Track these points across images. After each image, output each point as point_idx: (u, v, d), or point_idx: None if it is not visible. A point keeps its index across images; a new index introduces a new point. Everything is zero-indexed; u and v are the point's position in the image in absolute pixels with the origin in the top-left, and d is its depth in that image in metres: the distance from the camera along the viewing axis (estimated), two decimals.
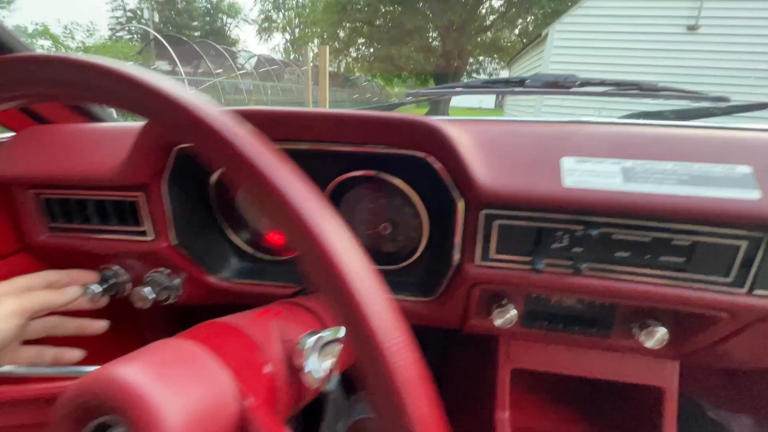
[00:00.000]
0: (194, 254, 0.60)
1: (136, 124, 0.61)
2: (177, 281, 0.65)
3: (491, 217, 0.48)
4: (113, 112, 0.73)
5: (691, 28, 6.64)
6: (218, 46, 11.57)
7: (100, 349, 0.56)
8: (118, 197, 0.56)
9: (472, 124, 0.53)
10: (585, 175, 0.43)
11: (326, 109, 0.50)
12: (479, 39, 17.27)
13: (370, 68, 19.38)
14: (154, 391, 0.26)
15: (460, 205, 0.48)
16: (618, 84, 0.67)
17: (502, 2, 16.55)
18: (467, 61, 18.07)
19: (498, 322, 0.55)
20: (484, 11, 16.88)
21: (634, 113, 0.65)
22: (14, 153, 0.59)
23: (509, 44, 17.25)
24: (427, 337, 1.04)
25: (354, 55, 19.47)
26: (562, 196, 0.43)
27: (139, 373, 0.28)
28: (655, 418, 0.64)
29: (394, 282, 0.64)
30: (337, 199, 0.60)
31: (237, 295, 0.66)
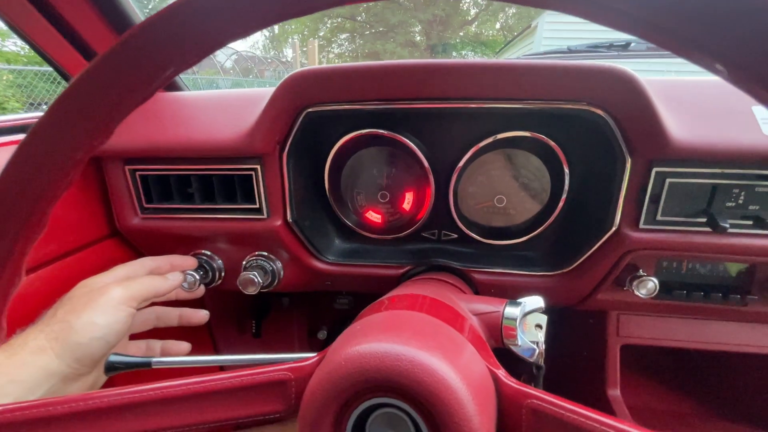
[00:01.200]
0: (305, 234, 0.55)
1: (245, 91, 0.55)
2: (279, 264, 0.59)
3: (663, 175, 0.44)
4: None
5: None
6: None
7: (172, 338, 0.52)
8: (230, 171, 0.50)
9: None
10: None
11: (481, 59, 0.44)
12: (462, 33, 17.37)
13: None
14: (445, 368, 0.23)
15: (629, 165, 0.45)
16: None
17: None
18: (451, 55, 18.13)
19: (641, 292, 0.52)
20: (466, 5, 16.98)
21: None
22: None
23: (491, 38, 17.43)
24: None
25: (336, 51, 19.24)
26: (766, 146, 0.40)
27: (421, 348, 0.24)
28: None
29: (511, 257, 0.60)
30: (463, 168, 0.55)
31: (337, 280, 0.61)
